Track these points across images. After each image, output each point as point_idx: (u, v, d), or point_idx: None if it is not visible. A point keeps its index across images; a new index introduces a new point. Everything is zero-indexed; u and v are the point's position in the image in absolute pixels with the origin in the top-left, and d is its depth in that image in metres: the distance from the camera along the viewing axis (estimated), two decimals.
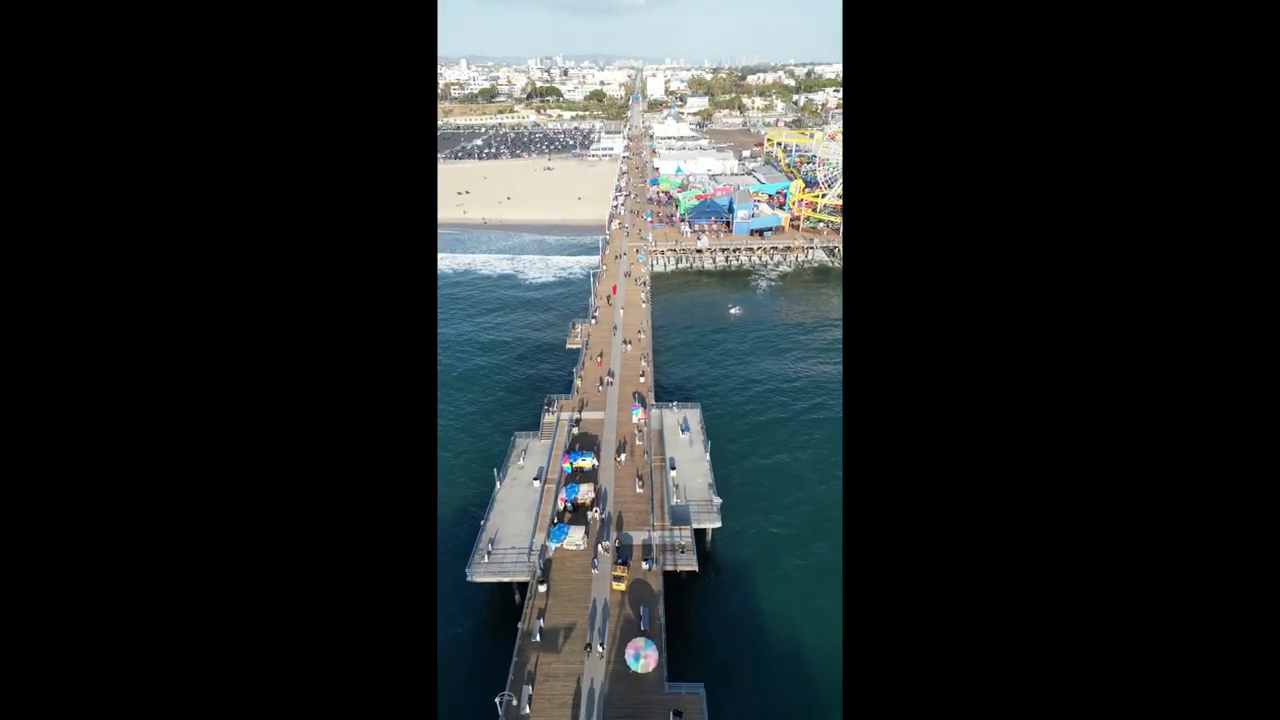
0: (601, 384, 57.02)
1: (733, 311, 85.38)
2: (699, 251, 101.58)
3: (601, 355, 63.11)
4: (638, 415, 51.26)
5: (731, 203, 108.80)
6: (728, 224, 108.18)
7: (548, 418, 52.53)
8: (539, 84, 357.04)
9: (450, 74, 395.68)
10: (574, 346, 66.78)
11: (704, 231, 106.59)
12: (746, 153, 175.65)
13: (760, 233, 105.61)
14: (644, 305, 77.28)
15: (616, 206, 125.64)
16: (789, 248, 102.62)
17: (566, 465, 45.12)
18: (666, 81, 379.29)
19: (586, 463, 45.40)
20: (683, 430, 50.71)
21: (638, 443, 48.97)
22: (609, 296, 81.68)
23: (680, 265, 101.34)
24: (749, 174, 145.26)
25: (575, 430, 50.82)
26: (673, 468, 45.99)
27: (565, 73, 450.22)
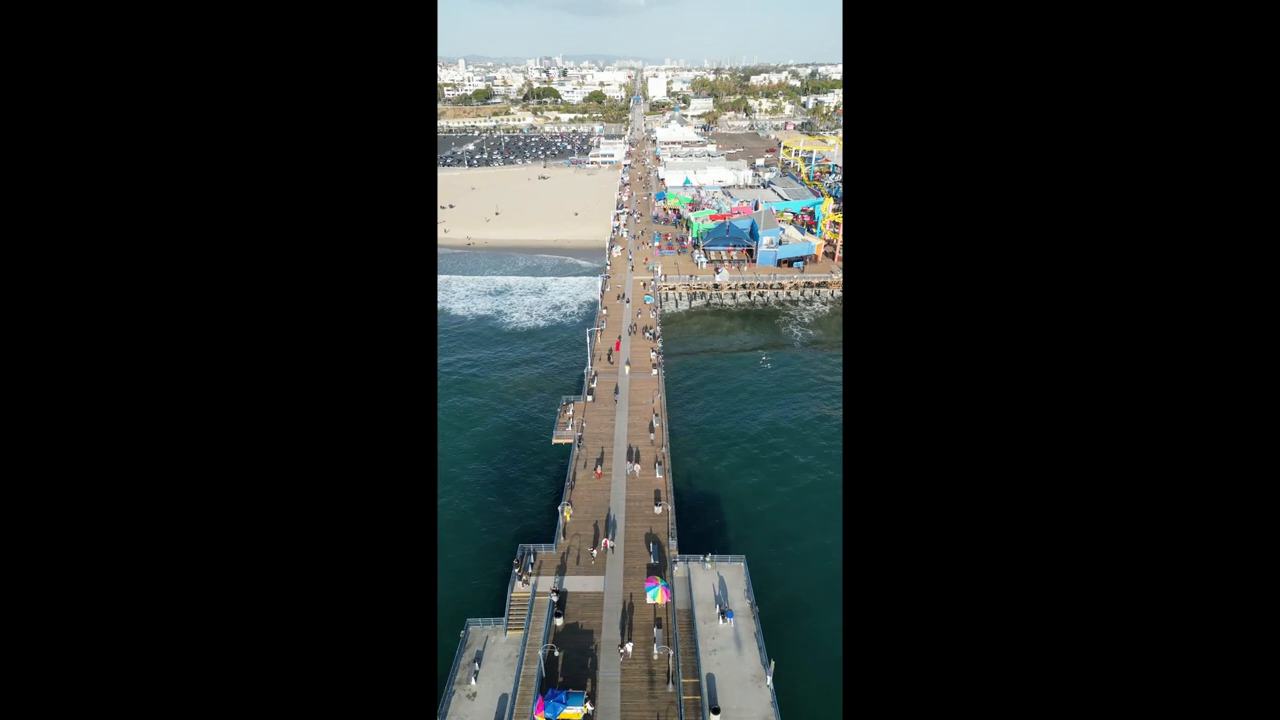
0: (598, 541, 37.80)
1: (763, 362, 67.58)
2: (716, 287, 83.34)
3: (601, 463, 44.86)
4: (655, 595, 33.10)
5: (754, 226, 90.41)
6: (749, 252, 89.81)
7: (519, 588, 34.42)
8: (536, 85, 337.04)
9: (445, 74, 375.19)
10: (563, 441, 48.50)
11: (722, 262, 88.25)
12: (760, 161, 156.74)
13: (789, 263, 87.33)
14: (655, 371, 58.92)
15: (618, 228, 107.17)
16: (824, 282, 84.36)
17: (541, 719, 27.03)
18: (669, 82, 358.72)
19: (575, 712, 27.31)
20: (723, 614, 32.67)
21: (655, 653, 30.84)
22: (610, 353, 63.66)
23: (695, 303, 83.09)
24: (766, 186, 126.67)
25: (559, 620, 32.66)
26: (715, 710, 27.94)
27: (564, 73, 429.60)
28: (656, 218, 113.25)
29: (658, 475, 43.36)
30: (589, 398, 53.74)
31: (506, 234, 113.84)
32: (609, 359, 63.02)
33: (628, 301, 75.36)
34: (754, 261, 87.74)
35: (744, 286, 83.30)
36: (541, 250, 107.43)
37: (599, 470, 43.85)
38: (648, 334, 66.84)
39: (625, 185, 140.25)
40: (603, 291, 79.71)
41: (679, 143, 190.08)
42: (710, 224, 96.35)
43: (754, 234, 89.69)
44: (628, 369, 59.72)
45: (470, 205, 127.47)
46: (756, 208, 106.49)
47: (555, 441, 48.80)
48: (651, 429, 48.48)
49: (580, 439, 47.65)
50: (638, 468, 43.19)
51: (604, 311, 73.23)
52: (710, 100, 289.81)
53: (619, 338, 66.24)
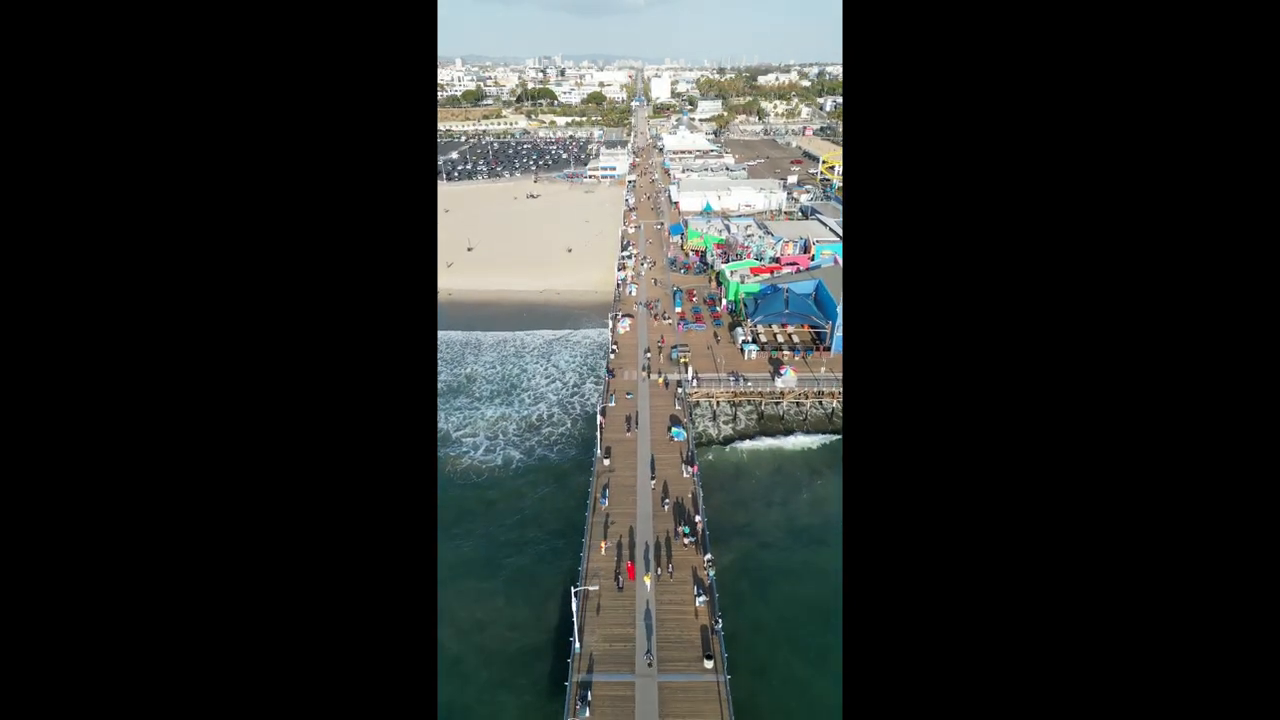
0: None
1: None
2: (773, 393, 53.09)
3: None
4: None
5: (821, 291, 60.04)
6: (818, 334, 59.38)
7: None
8: (532, 85, 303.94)
9: (442, 74, 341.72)
10: None
11: (781, 350, 57.81)
12: (792, 179, 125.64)
13: None
14: (710, 665, 28.69)
15: (623, 279, 76.51)
16: None
17: None
18: (673, 83, 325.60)
19: None
20: None
21: None
22: (619, 576, 33.71)
23: (742, 419, 52.75)
24: (809, 215, 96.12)
25: None
26: None
27: (562, 73, 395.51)
28: (674, 260, 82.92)
29: None
30: None
31: (477, 282, 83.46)
32: (616, 582, 33.18)
33: (650, 465, 44.53)
34: (826, 348, 57.40)
35: (818, 394, 53.04)
36: (522, 308, 77.18)
37: None
38: (687, 537, 36.21)
39: (631, 210, 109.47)
40: (604, 410, 49.14)
41: (690, 152, 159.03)
42: (754, 282, 65.92)
43: (822, 302, 59.38)
44: (652, 607, 29.97)
45: (441, 233, 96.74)
46: (806, 249, 76.12)
47: None
48: None
49: None
50: None
51: (605, 464, 42.87)
52: (719, 102, 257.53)
53: (632, 542, 36.08)
